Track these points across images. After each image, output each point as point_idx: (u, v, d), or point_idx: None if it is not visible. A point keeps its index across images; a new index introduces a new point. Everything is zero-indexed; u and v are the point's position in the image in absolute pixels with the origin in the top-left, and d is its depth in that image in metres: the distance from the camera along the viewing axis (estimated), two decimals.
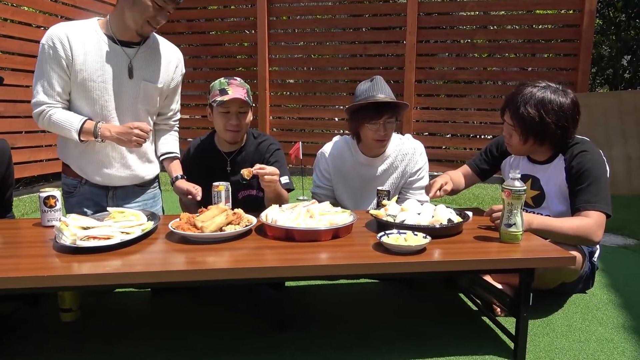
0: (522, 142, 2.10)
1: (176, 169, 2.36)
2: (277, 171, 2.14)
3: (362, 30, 6.85)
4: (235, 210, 1.92)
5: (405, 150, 2.55)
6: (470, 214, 2.13)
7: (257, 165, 2.09)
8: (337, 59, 7.00)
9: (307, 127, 7.07)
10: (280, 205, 2.04)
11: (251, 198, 2.45)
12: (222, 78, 2.38)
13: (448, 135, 6.77)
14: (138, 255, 1.63)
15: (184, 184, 2.26)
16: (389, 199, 2.20)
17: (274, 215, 1.87)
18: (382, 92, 2.36)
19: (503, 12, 6.24)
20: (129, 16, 2.06)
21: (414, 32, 6.29)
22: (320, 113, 7.09)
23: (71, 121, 2.08)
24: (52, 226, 1.84)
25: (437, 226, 1.81)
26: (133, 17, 2.05)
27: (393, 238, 1.71)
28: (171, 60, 2.32)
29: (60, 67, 2.04)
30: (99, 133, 2.07)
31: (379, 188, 2.25)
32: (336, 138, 2.64)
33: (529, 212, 2.12)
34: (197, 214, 1.88)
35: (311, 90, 7.13)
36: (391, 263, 1.56)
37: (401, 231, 1.77)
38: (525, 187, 1.74)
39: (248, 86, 2.44)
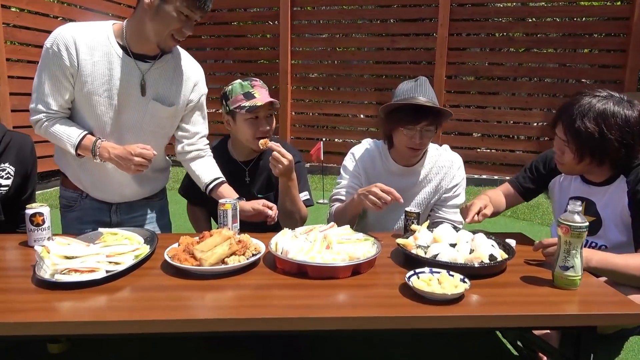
0: (576, 160, 1.78)
1: (230, 192, 2.07)
2: (290, 157, 1.97)
3: (389, 22, 6.50)
4: (241, 236, 1.67)
5: (442, 163, 2.26)
6: (513, 243, 1.84)
7: (275, 144, 1.97)
8: (363, 52, 6.69)
9: (330, 124, 6.81)
10: (293, 229, 1.79)
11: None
12: (240, 80, 2.15)
13: (479, 135, 6.40)
14: (124, 292, 1.40)
15: (247, 204, 1.99)
16: (418, 223, 1.92)
17: (285, 244, 1.62)
18: (425, 95, 2.07)
19: (543, 4, 5.80)
20: (150, 28, 1.80)
21: (446, 25, 5.92)
22: (344, 109, 6.80)
23: (69, 134, 1.86)
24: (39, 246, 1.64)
25: (477, 265, 1.53)
26: (155, 29, 1.79)
27: (425, 279, 1.44)
28: (189, 78, 2.03)
29: (64, 75, 1.81)
30: (97, 152, 1.85)
31: (408, 209, 1.97)
32: (367, 141, 2.36)
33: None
34: (199, 238, 1.64)
35: (335, 85, 6.84)
36: (423, 317, 1.28)
37: (434, 270, 1.49)
38: (587, 223, 1.43)
39: (266, 86, 2.22)
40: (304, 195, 2.27)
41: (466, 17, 6.06)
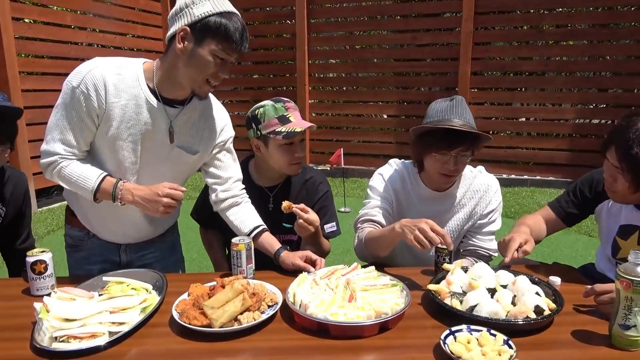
0: (631, 190, 1.57)
1: (272, 242, 1.89)
2: (317, 222, 1.88)
3: (410, 17, 6.24)
4: (255, 285, 1.53)
5: (477, 187, 2.06)
6: (558, 282, 1.66)
7: (302, 205, 1.85)
8: (383, 50, 6.46)
9: (350, 125, 6.61)
10: (313, 272, 1.64)
11: (289, 242, 2.12)
12: (272, 102, 1.99)
13: (508, 134, 6.12)
14: None
15: (288, 259, 1.81)
16: (450, 261, 1.74)
17: (304, 295, 1.46)
18: (461, 117, 1.86)
19: None
20: (183, 74, 1.65)
21: (471, 19, 5.65)
22: (364, 109, 6.59)
23: (87, 177, 1.69)
24: (42, 295, 1.53)
25: (522, 321, 1.34)
26: (189, 75, 1.64)
27: (462, 341, 1.26)
28: (216, 124, 1.88)
29: (89, 116, 1.65)
30: (119, 195, 1.67)
31: (439, 246, 1.78)
32: (394, 161, 2.17)
33: None
34: (209, 290, 1.50)
35: (354, 84, 6.64)
36: None
37: (473, 328, 1.31)
38: None
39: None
40: (331, 227, 2.13)
41: (492, 10, 5.78)
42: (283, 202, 1.82)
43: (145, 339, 1.37)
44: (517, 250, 1.74)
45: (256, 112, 2.00)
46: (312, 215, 1.85)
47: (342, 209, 4.65)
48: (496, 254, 2.10)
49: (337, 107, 6.61)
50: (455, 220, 2.07)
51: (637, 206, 1.72)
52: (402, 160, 2.17)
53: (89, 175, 1.69)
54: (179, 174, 1.90)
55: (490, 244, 2.08)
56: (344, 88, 6.70)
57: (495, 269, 1.66)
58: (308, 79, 6.42)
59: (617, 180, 1.60)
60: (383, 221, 2.00)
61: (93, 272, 1.80)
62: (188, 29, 1.57)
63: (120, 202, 1.68)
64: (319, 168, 6.70)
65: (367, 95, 6.55)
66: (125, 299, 1.51)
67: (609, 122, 5.81)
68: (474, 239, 2.08)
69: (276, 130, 1.94)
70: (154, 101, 1.71)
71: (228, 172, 1.94)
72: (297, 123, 1.95)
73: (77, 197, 1.85)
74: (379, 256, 1.90)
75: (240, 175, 1.98)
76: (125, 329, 1.37)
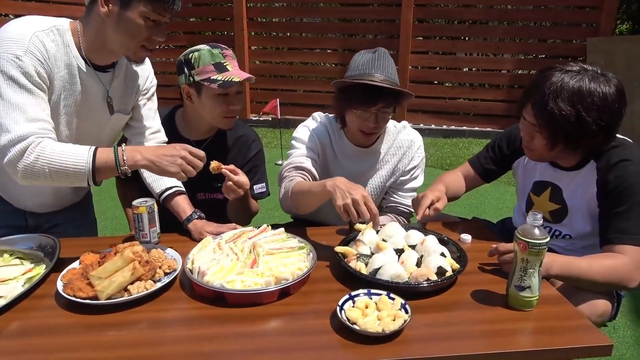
0: (548, 147, 1.55)
1: (185, 207, 1.76)
2: (247, 184, 1.74)
3: None
4: (153, 252, 1.43)
5: (400, 143, 2.01)
6: (469, 239, 1.67)
7: (232, 166, 1.70)
8: None
9: (292, 73, 6.38)
10: (219, 236, 1.56)
11: (216, 202, 1.99)
12: (209, 47, 1.80)
13: (449, 84, 6.11)
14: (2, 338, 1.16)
15: (199, 229, 1.70)
16: (363, 221, 1.70)
17: (202, 262, 1.38)
18: (383, 71, 1.77)
19: None
20: (114, 40, 1.46)
21: None
22: (307, 57, 6.36)
23: (75, 152, 1.38)
24: None
25: (424, 283, 1.33)
26: (121, 41, 1.46)
27: (360, 306, 1.24)
28: (141, 76, 1.73)
29: (42, 87, 1.42)
30: (124, 158, 1.40)
31: None
32: (318, 114, 2.07)
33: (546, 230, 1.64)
34: (101, 259, 1.39)
35: (297, 31, 6.35)
36: None
37: (373, 292, 1.29)
38: (548, 239, 1.23)
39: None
40: (260, 188, 2.03)
41: None
42: (211, 162, 1.66)
43: (28, 313, 1.27)
44: (428, 207, 1.72)
45: (190, 56, 1.80)
46: (243, 178, 1.72)
47: (279, 162, 4.55)
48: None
49: (279, 54, 6.34)
50: (378, 177, 2.03)
51: (551, 163, 1.72)
52: (327, 114, 2.08)
53: (76, 150, 1.39)
54: (114, 136, 1.77)
55: (411, 200, 2.06)
56: (288, 34, 6.41)
57: (407, 228, 1.63)
58: (247, 24, 6.07)
59: (534, 138, 1.57)
60: (313, 170, 1.89)
61: None
62: None
63: (126, 170, 1.41)
64: (260, 119, 6.51)
65: (310, 42, 6.31)
66: (6, 269, 1.39)
67: None
68: (395, 196, 2.06)
69: (211, 77, 1.76)
70: (86, 69, 1.52)
71: (147, 122, 1.79)
72: (235, 72, 1.79)
73: None
74: (305, 211, 1.83)
75: (160, 127, 1.84)
76: (0, 302, 1.25)
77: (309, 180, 1.86)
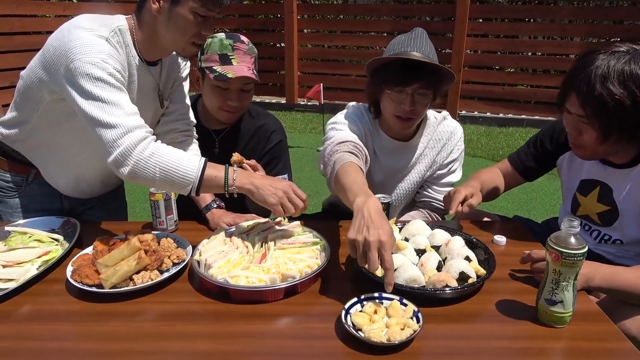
0: (599, 140, 1.35)
1: (206, 195, 1.74)
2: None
3: None
4: (163, 241, 1.40)
5: (440, 135, 1.87)
6: (503, 241, 1.52)
7: (253, 162, 1.67)
8: None
9: (343, 57, 6.25)
10: (232, 228, 1.51)
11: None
12: (225, 35, 1.76)
13: (509, 70, 5.74)
14: (10, 322, 1.17)
15: (216, 219, 1.67)
16: (387, 216, 1.59)
17: (210, 254, 1.34)
18: (420, 49, 1.63)
19: None
20: (165, 37, 1.48)
21: None
22: (358, 40, 6.19)
23: (187, 159, 1.38)
24: None
25: (444, 290, 1.21)
26: (171, 38, 1.47)
27: (368, 311, 1.14)
28: (179, 59, 1.76)
29: (126, 91, 1.45)
30: (235, 181, 1.39)
31: (378, 196, 1.62)
32: (352, 104, 1.93)
33: (589, 237, 1.46)
34: (111, 245, 1.38)
35: (348, 13, 6.18)
36: None
37: (384, 296, 1.19)
38: (585, 250, 1.07)
39: (256, 51, 1.82)
40: (282, 178, 1.96)
41: None
42: (233, 155, 1.62)
43: (38, 297, 1.28)
44: (461, 203, 1.58)
45: (206, 43, 1.78)
46: (262, 173, 1.69)
47: (320, 148, 4.47)
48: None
49: (330, 38, 6.21)
50: (416, 172, 1.90)
51: (600, 160, 1.52)
52: (363, 104, 1.94)
53: (189, 157, 1.38)
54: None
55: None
56: (340, 17, 6.26)
57: (433, 227, 1.51)
58: (297, 6, 5.98)
59: (582, 132, 1.39)
60: (363, 146, 1.66)
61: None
62: None
63: (234, 190, 1.40)
64: (308, 103, 6.45)
65: (362, 25, 6.13)
66: (23, 252, 1.41)
67: None
68: (429, 190, 1.93)
69: (212, 67, 1.73)
70: (141, 65, 1.55)
71: (177, 104, 1.78)
72: (236, 68, 1.72)
73: (36, 137, 1.62)
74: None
75: (188, 111, 1.82)
76: (12, 285, 1.26)
77: (361, 159, 1.59)
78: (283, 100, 6.75)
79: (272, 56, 6.65)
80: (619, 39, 5.46)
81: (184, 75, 1.79)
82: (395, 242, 1.18)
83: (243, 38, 1.79)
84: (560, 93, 1.40)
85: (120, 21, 1.48)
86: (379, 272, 1.24)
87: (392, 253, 1.35)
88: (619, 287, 1.27)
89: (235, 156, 1.62)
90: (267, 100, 6.87)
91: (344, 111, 1.90)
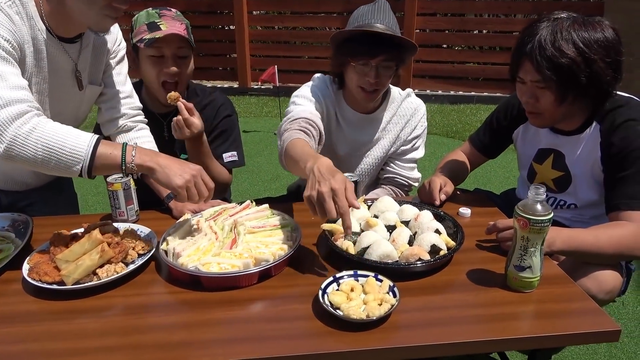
0: (557, 102, 1.40)
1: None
2: (197, 127, 1.65)
3: None
4: (125, 230, 1.34)
5: (404, 111, 1.89)
6: (468, 213, 1.56)
7: (191, 105, 1.65)
8: None
9: (295, 39, 6.17)
10: (198, 215, 1.46)
11: None
12: (150, 8, 1.70)
13: (457, 48, 5.86)
14: None
15: (179, 206, 1.61)
16: (357, 193, 1.59)
17: (177, 242, 1.29)
18: (383, 21, 1.65)
19: None
20: (72, 7, 1.32)
21: None
22: (309, 21, 6.13)
23: (78, 135, 1.23)
24: None
25: (417, 263, 1.22)
26: (79, 9, 1.32)
27: (345, 289, 1.14)
28: (109, 40, 1.60)
29: (17, 62, 1.30)
30: (134, 157, 1.26)
31: (346, 174, 1.62)
32: (318, 76, 1.91)
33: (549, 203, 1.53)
34: (70, 240, 1.31)
35: None
36: (336, 354, 1.00)
37: (360, 273, 1.19)
38: (551, 216, 1.11)
39: (188, 21, 1.75)
40: (231, 156, 1.92)
41: None
42: (170, 93, 1.64)
43: None
44: (439, 193, 1.63)
45: (132, 21, 1.73)
46: (196, 120, 1.64)
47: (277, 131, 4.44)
48: (416, 184, 1.99)
49: (280, 19, 6.12)
50: (380, 146, 1.91)
51: (552, 128, 1.59)
52: (328, 76, 1.91)
53: (79, 133, 1.24)
54: (89, 108, 1.68)
55: (411, 172, 1.95)
56: None
57: (401, 203, 1.52)
58: None
59: (539, 98, 1.43)
60: (318, 121, 1.70)
61: None
62: None
63: (132, 168, 1.26)
64: (262, 87, 6.35)
65: (312, 5, 6.06)
66: None
67: None
68: (393, 165, 1.94)
69: (143, 38, 1.66)
70: (52, 41, 1.39)
71: (117, 87, 1.67)
72: (166, 31, 1.66)
73: None
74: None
75: (131, 92, 1.73)
76: None
77: (312, 135, 1.64)
78: (236, 85, 6.61)
79: (221, 39, 6.48)
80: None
81: (117, 58, 1.67)
82: (352, 187, 1.21)
83: (170, 8, 1.74)
84: (512, 64, 1.45)
85: None
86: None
87: (363, 230, 1.37)
88: (579, 248, 1.33)
89: (173, 94, 1.63)
90: (219, 85, 6.70)
91: (309, 83, 1.89)
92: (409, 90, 1.95)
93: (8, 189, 1.68)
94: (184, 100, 1.63)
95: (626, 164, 1.39)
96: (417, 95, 1.97)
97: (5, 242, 1.40)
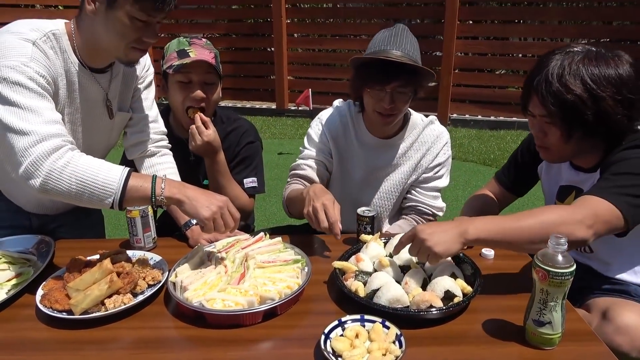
0: (563, 139, 1.35)
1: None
2: (210, 137, 1.70)
3: None
4: (138, 260, 1.35)
5: (425, 138, 1.85)
6: (491, 255, 1.48)
7: (208, 119, 1.72)
8: None
9: (334, 61, 6.20)
10: (211, 245, 1.46)
11: None
12: (182, 36, 1.77)
13: (499, 72, 5.72)
14: None
15: (195, 235, 1.62)
16: (372, 230, 1.55)
17: (185, 275, 1.29)
18: (400, 47, 1.63)
19: None
20: (105, 40, 1.38)
21: None
22: (349, 44, 6.16)
23: (109, 168, 1.28)
24: None
25: (430, 310, 1.16)
26: (110, 41, 1.37)
27: (350, 335, 1.09)
28: (138, 67, 1.66)
29: (51, 97, 1.35)
30: (163, 190, 1.29)
31: (360, 211, 1.58)
32: (337, 102, 1.96)
33: None
34: (84, 268, 1.33)
35: (339, 17, 6.15)
36: None
37: (366, 318, 1.14)
38: (573, 268, 1.03)
39: (217, 51, 1.81)
40: (251, 182, 1.92)
41: None
42: (190, 109, 1.75)
43: (6, 324, 1.22)
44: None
45: (164, 49, 1.80)
46: (211, 132, 1.69)
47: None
48: (440, 213, 1.92)
49: (320, 42, 6.17)
50: (398, 173, 1.87)
51: (573, 165, 1.52)
52: (348, 100, 1.93)
53: (110, 166, 1.28)
54: (119, 134, 1.74)
55: (434, 201, 1.89)
56: (330, 20, 6.22)
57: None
58: (285, 11, 5.93)
59: (547, 133, 1.38)
60: (313, 176, 1.86)
61: None
62: None
63: (162, 200, 1.29)
64: (299, 109, 6.41)
65: (352, 28, 6.09)
66: None
67: None
68: (415, 193, 1.89)
69: (172, 64, 1.71)
70: (84, 72, 1.45)
71: (143, 112, 1.72)
72: (194, 57, 1.70)
73: None
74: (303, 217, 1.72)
75: (157, 117, 1.77)
76: None
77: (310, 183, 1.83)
78: (273, 106, 6.70)
79: (262, 61, 6.61)
80: (608, 39, 5.47)
81: (145, 83, 1.71)
82: (339, 207, 1.47)
83: (201, 37, 1.80)
84: (523, 97, 1.42)
85: (57, 25, 1.39)
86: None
87: (376, 270, 1.32)
88: (498, 236, 1.20)
89: (195, 110, 1.72)
90: (257, 106, 6.81)
91: (322, 114, 1.95)
92: (432, 117, 1.92)
93: (38, 213, 1.73)
94: (201, 114, 1.69)
95: (610, 168, 1.31)
96: (455, 120, 1.95)
97: (27, 264, 1.44)
